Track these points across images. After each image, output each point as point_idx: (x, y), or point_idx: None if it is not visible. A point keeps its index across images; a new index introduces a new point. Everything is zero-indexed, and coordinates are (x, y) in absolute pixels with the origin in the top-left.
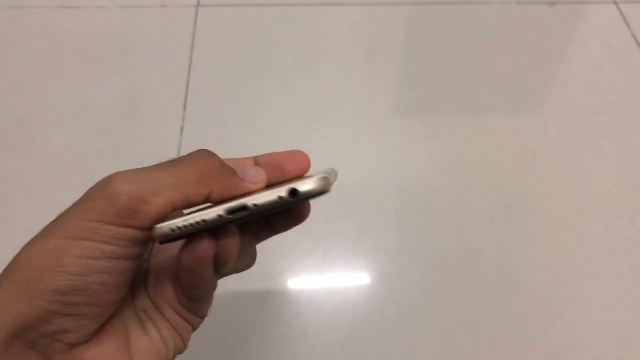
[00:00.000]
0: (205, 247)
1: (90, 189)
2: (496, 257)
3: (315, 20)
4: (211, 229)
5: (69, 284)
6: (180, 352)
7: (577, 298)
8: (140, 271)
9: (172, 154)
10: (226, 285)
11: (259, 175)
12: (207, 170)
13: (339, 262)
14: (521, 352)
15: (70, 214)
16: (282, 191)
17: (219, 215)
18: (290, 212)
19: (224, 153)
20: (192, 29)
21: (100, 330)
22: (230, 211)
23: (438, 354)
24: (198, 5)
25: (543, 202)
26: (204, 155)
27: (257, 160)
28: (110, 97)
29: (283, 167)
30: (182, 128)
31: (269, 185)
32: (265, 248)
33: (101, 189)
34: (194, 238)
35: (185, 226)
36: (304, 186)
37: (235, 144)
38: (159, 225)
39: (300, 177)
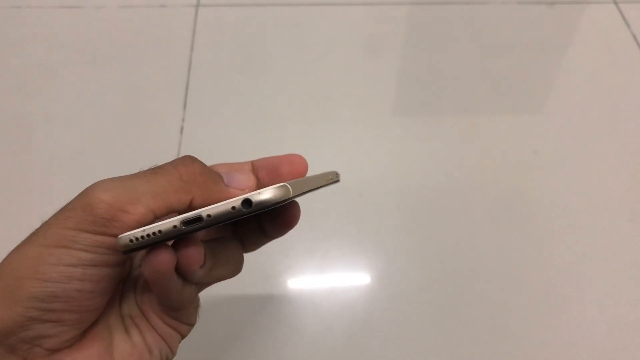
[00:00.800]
0: (161, 258)
1: (73, 198)
2: (496, 257)
3: (315, 20)
4: (171, 238)
5: (46, 291)
6: (168, 359)
7: (577, 298)
8: (131, 277)
9: (172, 154)
10: (226, 286)
11: (246, 181)
12: (188, 177)
13: (339, 262)
14: (521, 352)
15: (51, 223)
16: (236, 201)
17: (174, 226)
18: (279, 217)
19: (224, 153)
20: (192, 29)
21: (82, 335)
22: (185, 222)
23: (438, 353)
24: (198, 5)
25: (543, 202)
26: (186, 162)
27: (254, 165)
28: (110, 97)
29: (278, 170)
30: (182, 128)
31: None
32: (265, 248)
33: (81, 198)
34: (152, 249)
35: (142, 237)
36: (258, 196)
37: (235, 144)
38: (121, 236)
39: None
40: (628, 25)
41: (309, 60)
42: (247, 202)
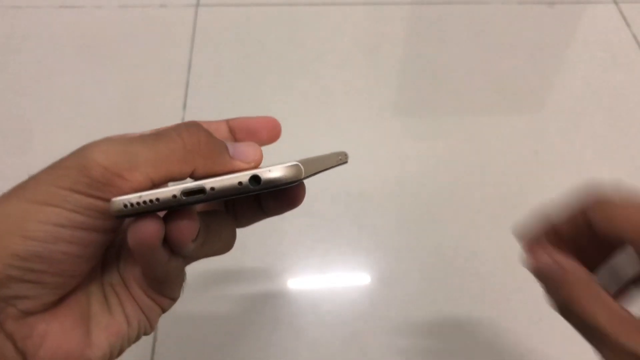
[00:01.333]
0: (148, 228)
1: (66, 155)
2: (496, 257)
3: (315, 20)
4: (168, 209)
5: (30, 250)
6: (146, 334)
7: None
8: (115, 243)
9: None
10: (225, 284)
11: (253, 154)
12: (192, 146)
13: (339, 262)
14: (521, 352)
15: (41, 179)
16: (244, 177)
17: (174, 196)
18: (283, 194)
19: None
20: (192, 29)
21: (60, 301)
22: (186, 192)
23: (438, 354)
24: (198, 5)
25: (543, 203)
26: (190, 129)
27: (230, 124)
28: (110, 97)
29: (258, 135)
30: None
31: None
32: (265, 248)
33: (76, 158)
34: (140, 218)
35: (138, 203)
36: (268, 174)
37: None
38: (115, 199)
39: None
40: (628, 25)
41: (309, 60)
42: (255, 178)
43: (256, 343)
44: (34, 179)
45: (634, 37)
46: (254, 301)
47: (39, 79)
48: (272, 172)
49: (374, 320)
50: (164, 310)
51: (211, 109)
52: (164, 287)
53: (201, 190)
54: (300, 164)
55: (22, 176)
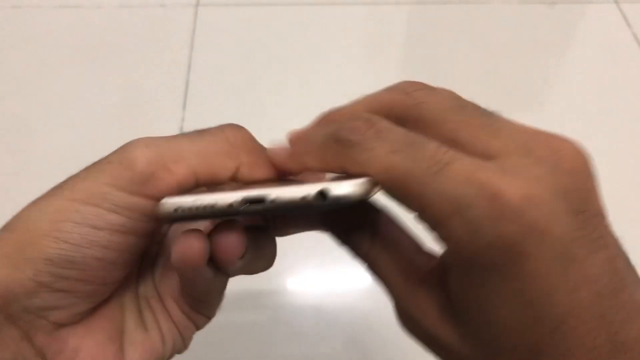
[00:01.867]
0: (193, 248)
1: (109, 153)
2: None
3: (315, 20)
4: (221, 216)
5: (63, 254)
6: (179, 352)
7: None
8: (151, 252)
9: None
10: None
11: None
12: (236, 142)
13: (339, 262)
14: None
15: (82, 175)
16: (308, 190)
17: (232, 203)
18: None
19: None
20: (192, 29)
21: (93, 311)
22: (246, 201)
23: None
24: (198, 5)
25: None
26: (234, 127)
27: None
28: (110, 97)
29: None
30: (181, 128)
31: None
32: None
33: (119, 152)
34: (185, 236)
35: (191, 208)
36: (336, 189)
37: None
38: (164, 201)
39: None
40: (629, 25)
41: (309, 60)
42: (322, 194)
43: (256, 343)
44: (74, 176)
45: (635, 37)
46: (254, 301)
47: (39, 79)
48: (342, 187)
49: (374, 320)
50: (198, 328)
51: (211, 109)
52: (203, 305)
53: (260, 200)
54: (371, 181)
55: (22, 176)
